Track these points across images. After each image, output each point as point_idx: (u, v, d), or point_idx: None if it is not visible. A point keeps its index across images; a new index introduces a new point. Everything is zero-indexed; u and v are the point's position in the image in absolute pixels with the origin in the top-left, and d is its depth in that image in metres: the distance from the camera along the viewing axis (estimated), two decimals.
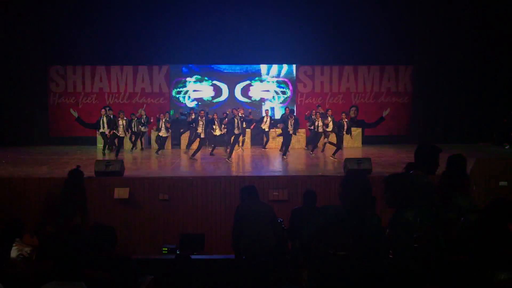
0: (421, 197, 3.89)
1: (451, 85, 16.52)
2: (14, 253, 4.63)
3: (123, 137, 13.71)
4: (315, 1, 16.26)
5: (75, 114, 15.07)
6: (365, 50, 16.63)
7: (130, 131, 14.04)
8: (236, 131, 12.75)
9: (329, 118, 13.82)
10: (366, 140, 15.81)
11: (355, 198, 3.32)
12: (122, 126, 13.46)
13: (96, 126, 13.84)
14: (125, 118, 13.63)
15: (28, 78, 16.07)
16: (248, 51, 16.50)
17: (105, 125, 13.49)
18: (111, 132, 13.41)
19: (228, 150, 12.90)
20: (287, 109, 15.17)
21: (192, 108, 15.72)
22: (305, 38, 16.44)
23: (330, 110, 14.31)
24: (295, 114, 15.18)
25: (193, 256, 4.87)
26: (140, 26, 16.15)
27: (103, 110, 14.18)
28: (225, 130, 13.54)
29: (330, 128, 13.77)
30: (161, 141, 14.35)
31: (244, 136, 14.07)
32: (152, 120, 15.21)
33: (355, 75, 17.16)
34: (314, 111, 14.67)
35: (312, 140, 14.54)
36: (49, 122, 16.72)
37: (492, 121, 16.10)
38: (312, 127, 14.29)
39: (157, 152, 13.90)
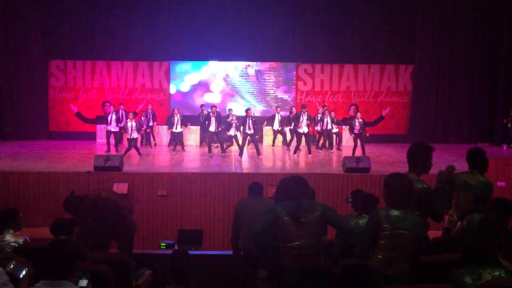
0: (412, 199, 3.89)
1: (451, 85, 16.51)
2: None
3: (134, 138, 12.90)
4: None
5: (75, 109, 15.12)
6: (365, 49, 16.64)
7: (141, 129, 13.78)
8: (247, 131, 12.71)
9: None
10: (366, 139, 15.83)
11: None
12: (131, 126, 12.81)
13: (103, 121, 13.60)
14: (134, 120, 12.99)
15: (28, 73, 16.05)
16: (248, 48, 16.49)
17: (113, 122, 13.24)
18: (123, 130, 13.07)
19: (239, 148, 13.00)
20: (293, 108, 15.01)
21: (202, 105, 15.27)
22: (305, 36, 16.48)
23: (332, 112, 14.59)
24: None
25: (190, 252, 4.88)
26: (141, 21, 16.16)
27: (111, 106, 13.87)
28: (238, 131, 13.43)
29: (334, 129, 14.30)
30: (176, 137, 14.17)
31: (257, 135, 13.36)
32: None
33: (355, 73, 17.15)
34: (322, 109, 14.68)
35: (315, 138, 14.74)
36: (49, 116, 16.71)
37: (492, 122, 16.17)
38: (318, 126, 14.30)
39: (182, 149, 13.88)
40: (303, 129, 13.03)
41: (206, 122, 13.53)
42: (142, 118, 14.47)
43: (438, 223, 4.46)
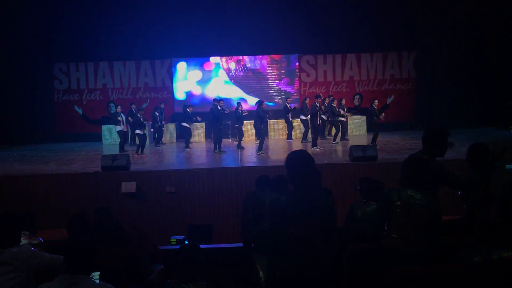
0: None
1: (455, 70, 16.40)
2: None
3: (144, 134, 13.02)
4: None
5: (80, 111, 15.18)
6: (367, 37, 16.51)
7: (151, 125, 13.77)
8: (261, 127, 12.90)
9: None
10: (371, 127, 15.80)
11: (301, 176, 3.28)
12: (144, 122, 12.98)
13: (115, 122, 13.65)
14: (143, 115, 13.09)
15: (32, 76, 16.13)
16: (250, 42, 16.45)
17: (124, 122, 13.28)
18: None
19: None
20: (310, 99, 14.62)
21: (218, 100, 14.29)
22: (306, 27, 16.40)
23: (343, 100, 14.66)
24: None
25: (201, 246, 4.91)
26: (142, 20, 16.14)
27: (118, 107, 13.88)
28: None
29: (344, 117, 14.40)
30: (188, 132, 14.20)
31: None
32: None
33: (358, 62, 17.09)
34: (328, 98, 14.69)
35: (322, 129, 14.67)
36: (54, 119, 16.78)
37: (498, 105, 16.07)
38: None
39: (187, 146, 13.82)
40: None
41: (215, 116, 13.42)
42: (157, 114, 14.47)
43: (467, 193, 4.49)
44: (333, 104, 14.30)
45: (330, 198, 3.66)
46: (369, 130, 13.27)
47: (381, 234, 3.63)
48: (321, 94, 15.07)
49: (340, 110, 14.23)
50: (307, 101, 14.35)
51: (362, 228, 4.32)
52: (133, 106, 13.74)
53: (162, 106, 15.06)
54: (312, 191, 3.29)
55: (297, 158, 3.34)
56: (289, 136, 15.07)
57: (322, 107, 13.73)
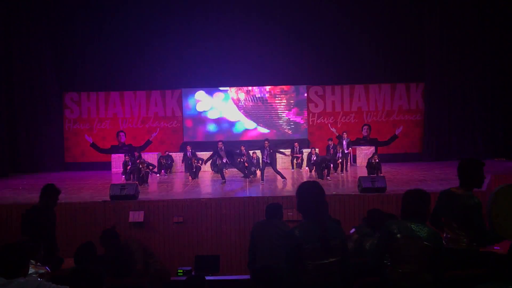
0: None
1: (463, 101, 16.41)
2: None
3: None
4: (324, 21, 16.42)
5: (90, 140, 15.30)
6: (375, 69, 16.67)
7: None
8: (264, 159, 13.00)
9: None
10: (380, 158, 15.74)
11: (311, 205, 3.36)
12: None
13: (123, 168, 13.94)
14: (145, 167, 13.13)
15: (43, 106, 16.35)
16: (259, 73, 16.64)
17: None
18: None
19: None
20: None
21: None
22: (315, 58, 16.60)
23: (344, 134, 14.87)
24: None
25: (208, 277, 4.87)
26: (152, 51, 16.42)
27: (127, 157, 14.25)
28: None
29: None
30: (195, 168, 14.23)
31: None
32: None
33: (366, 93, 17.18)
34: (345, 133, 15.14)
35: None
36: (64, 148, 16.93)
37: (508, 136, 15.98)
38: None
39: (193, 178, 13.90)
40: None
41: (217, 157, 13.91)
42: (163, 161, 15.01)
43: (483, 245, 4.33)
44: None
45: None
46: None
47: (383, 266, 3.61)
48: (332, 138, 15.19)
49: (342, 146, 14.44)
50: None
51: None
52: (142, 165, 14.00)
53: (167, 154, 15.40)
54: (324, 220, 3.34)
55: (308, 188, 3.42)
56: (299, 166, 15.22)
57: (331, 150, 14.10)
